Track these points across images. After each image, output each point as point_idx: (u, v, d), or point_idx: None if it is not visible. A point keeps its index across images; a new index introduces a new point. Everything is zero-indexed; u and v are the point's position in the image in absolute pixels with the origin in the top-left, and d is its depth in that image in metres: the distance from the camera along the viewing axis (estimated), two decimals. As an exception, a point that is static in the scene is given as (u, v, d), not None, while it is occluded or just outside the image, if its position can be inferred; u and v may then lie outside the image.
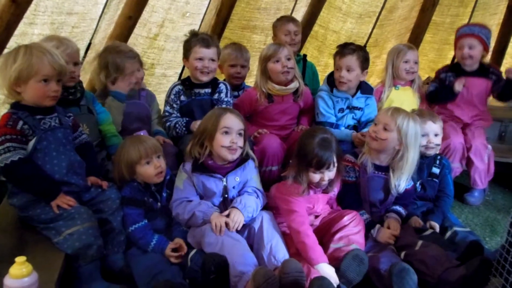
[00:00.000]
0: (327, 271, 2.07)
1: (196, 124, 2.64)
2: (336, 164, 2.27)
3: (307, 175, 2.25)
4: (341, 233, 2.23)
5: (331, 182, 2.33)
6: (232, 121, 2.28)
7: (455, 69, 3.33)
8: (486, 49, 3.25)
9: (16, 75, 1.97)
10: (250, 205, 2.28)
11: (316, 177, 2.25)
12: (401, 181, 2.44)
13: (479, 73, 3.27)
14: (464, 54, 3.21)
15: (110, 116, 2.66)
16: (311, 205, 2.36)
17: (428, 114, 2.72)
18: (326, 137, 2.27)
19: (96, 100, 2.67)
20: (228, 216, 2.20)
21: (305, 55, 3.65)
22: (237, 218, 2.19)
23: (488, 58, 3.38)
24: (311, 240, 2.17)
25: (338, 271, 2.06)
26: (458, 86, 3.18)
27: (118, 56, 2.71)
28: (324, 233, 2.31)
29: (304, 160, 2.24)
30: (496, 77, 3.29)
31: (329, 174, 2.27)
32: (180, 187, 2.31)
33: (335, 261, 2.12)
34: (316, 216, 2.41)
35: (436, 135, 2.66)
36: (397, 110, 2.43)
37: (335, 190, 2.45)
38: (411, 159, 2.40)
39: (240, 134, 2.30)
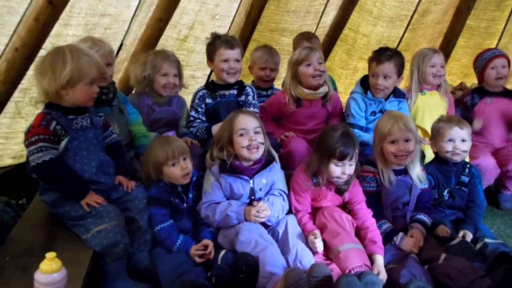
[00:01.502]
0: None
1: (217, 127, 2.65)
2: (356, 159, 2.29)
3: (328, 168, 2.27)
4: None
5: (346, 181, 2.35)
6: (246, 121, 2.31)
7: (479, 91, 3.33)
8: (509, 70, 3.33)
9: (68, 79, 2.00)
10: (277, 205, 2.31)
11: (337, 170, 2.27)
12: (417, 169, 2.46)
13: (504, 94, 3.29)
14: (499, 74, 3.24)
15: (140, 117, 2.71)
16: (318, 199, 2.38)
17: (455, 120, 2.67)
18: (348, 130, 2.36)
19: (127, 101, 2.72)
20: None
21: None
22: (265, 208, 2.24)
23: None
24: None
25: None
26: (477, 124, 3.16)
27: (159, 56, 2.77)
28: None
29: (327, 152, 2.27)
30: None
31: (350, 168, 2.29)
32: (208, 191, 2.33)
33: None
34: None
35: (463, 140, 2.59)
36: (401, 119, 2.42)
37: (349, 197, 2.41)
38: (418, 148, 2.47)
39: (257, 132, 2.31)
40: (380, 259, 2.19)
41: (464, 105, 3.34)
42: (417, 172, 2.46)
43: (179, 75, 2.85)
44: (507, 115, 3.26)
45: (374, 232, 2.30)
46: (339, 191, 2.41)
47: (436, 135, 2.65)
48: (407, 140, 2.38)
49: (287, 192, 2.43)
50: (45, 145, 2.01)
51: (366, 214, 2.38)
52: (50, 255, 1.61)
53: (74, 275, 1.78)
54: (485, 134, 3.24)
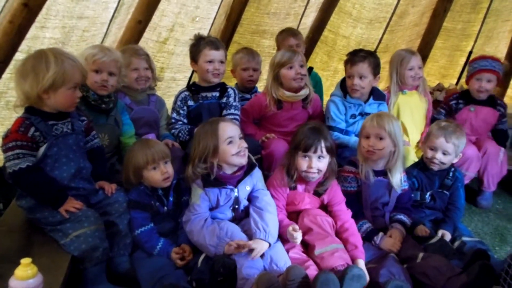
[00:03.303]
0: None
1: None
2: (326, 155, 2.30)
3: (295, 161, 2.30)
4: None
5: (323, 182, 2.36)
6: (231, 129, 2.29)
7: (465, 96, 3.36)
8: (498, 84, 3.37)
9: (51, 82, 1.96)
10: (271, 227, 2.21)
11: (303, 163, 2.29)
12: (398, 174, 2.46)
13: (488, 102, 3.32)
14: (481, 87, 3.25)
15: (133, 129, 2.68)
16: (296, 202, 2.38)
17: (449, 129, 2.58)
18: (318, 125, 2.39)
19: (125, 110, 2.68)
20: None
21: (311, 68, 3.67)
22: (260, 248, 2.12)
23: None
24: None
25: None
26: None
27: (127, 52, 2.75)
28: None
29: (294, 145, 2.32)
30: (503, 110, 3.36)
31: (318, 163, 2.29)
32: (197, 203, 2.27)
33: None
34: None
35: (444, 153, 2.57)
36: (380, 117, 2.44)
37: (328, 199, 2.41)
38: (401, 153, 2.44)
39: (241, 137, 2.31)
40: (362, 263, 2.20)
41: (449, 108, 3.38)
42: (396, 178, 2.46)
43: (150, 68, 2.83)
44: (487, 123, 3.33)
45: (356, 236, 2.30)
46: (317, 194, 2.42)
47: (426, 137, 2.69)
48: (379, 138, 2.40)
49: (266, 189, 2.42)
50: (22, 152, 1.98)
51: (346, 215, 2.39)
52: (25, 260, 1.59)
53: (51, 281, 1.76)
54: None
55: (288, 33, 3.54)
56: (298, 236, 2.19)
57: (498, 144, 3.32)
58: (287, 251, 2.20)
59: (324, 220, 2.29)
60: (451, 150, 2.57)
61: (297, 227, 2.24)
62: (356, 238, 2.29)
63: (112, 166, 2.57)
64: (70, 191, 2.10)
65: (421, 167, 2.66)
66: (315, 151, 2.28)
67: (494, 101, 3.35)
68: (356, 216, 2.44)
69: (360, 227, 2.40)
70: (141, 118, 2.80)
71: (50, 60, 1.97)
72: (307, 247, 2.27)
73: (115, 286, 2.06)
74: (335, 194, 2.43)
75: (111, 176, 2.41)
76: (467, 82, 3.40)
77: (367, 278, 2.08)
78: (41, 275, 1.62)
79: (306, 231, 2.27)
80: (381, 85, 4.43)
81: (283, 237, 2.27)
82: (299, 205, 2.39)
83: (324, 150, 2.29)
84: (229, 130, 2.27)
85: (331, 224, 2.32)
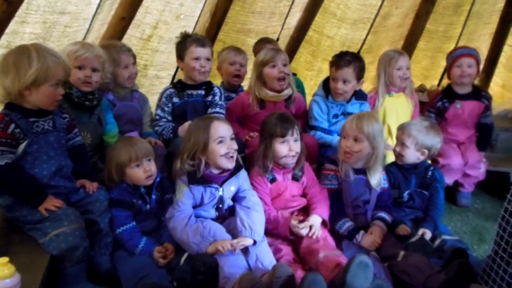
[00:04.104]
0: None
1: (183, 128, 2.64)
2: (298, 136, 2.40)
3: (273, 149, 2.36)
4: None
5: (298, 163, 2.45)
6: (224, 129, 2.28)
7: (448, 94, 3.39)
8: (478, 71, 3.39)
9: (33, 79, 1.93)
10: (257, 225, 2.22)
11: (283, 147, 2.36)
12: (377, 175, 2.49)
13: (472, 96, 3.36)
14: (464, 72, 3.28)
15: (117, 129, 2.65)
16: (280, 192, 2.41)
17: (411, 125, 2.67)
18: (282, 112, 2.53)
19: (109, 109, 2.65)
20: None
21: (293, 74, 3.68)
22: (243, 243, 2.14)
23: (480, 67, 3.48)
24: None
25: (343, 283, 1.96)
26: None
27: (113, 49, 2.71)
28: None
29: (268, 134, 2.37)
30: (487, 102, 3.39)
31: (295, 145, 2.38)
32: (181, 199, 2.26)
33: (330, 271, 2.08)
34: (291, 208, 2.45)
35: (403, 145, 2.62)
36: (359, 118, 2.45)
37: (306, 181, 2.48)
38: (381, 153, 2.47)
39: (232, 139, 2.30)
40: (316, 217, 2.33)
41: (438, 110, 3.41)
42: (375, 178, 2.49)
43: (135, 62, 2.83)
44: (475, 117, 3.37)
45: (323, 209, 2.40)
46: (296, 178, 2.47)
47: None
48: (356, 140, 2.43)
49: (251, 189, 2.42)
50: (1, 149, 1.94)
51: (320, 195, 2.48)
52: (2, 260, 1.57)
53: (29, 281, 1.73)
54: (455, 133, 3.35)
55: (265, 41, 3.60)
56: (303, 229, 2.25)
57: (482, 141, 3.38)
58: (278, 259, 2.19)
59: (329, 237, 2.33)
60: (409, 143, 2.60)
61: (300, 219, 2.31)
62: (323, 210, 2.39)
63: (94, 165, 2.54)
64: (50, 189, 2.07)
65: (398, 165, 2.71)
66: (292, 134, 2.36)
67: (478, 94, 3.37)
68: (338, 214, 2.45)
69: (341, 225, 2.42)
70: (124, 115, 2.76)
71: (33, 56, 1.93)
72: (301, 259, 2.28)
73: (96, 285, 2.04)
74: (311, 175, 2.52)
75: (93, 174, 2.38)
76: (448, 75, 3.42)
77: (372, 268, 2.04)
78: (18, 275, 1.60)
79: (313, 242, 2.25)
80: (364, 86, 4.49)
81: (279, 233, 2.31)
82: (284, 193, 2.42)
83: (298, 132, 2.39)
84: (221, 129, 2.26)
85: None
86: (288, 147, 2.36)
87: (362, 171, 2.52)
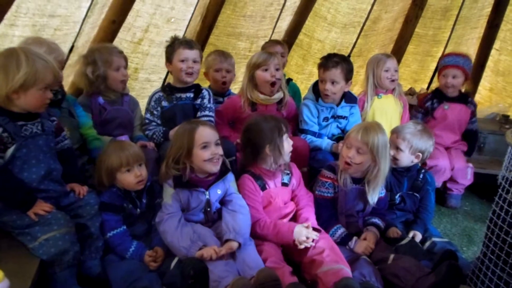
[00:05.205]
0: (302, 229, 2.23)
1: (174, 132, 2.63)
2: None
3: (282, 147, 2.36)
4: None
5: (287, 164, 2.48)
6: (208, 134, 2.26)
7: (437, 95, 3.46)
8: (467, 78, 3.46)
9: (22, 82, 1.91)
10: (242, 227, 2.22)
11: (287, 144, 2.40)
12: (376, 191, 2.46)
13: (459, 100, 3.44)
14: (447, 83, 3.38)
15: (90, 120, 2.64)
16: (272, 199, 2.40)
17: (404, 129, 2.68)
18: (265, 114, 2.55)
19: (77, 103, 2.64)
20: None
21: (289, 79, 3.72)
22: (228, 248, 2.14)
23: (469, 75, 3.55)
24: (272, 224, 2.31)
25: None
26: None
27: (105, 51, 2.70)
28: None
29: (274, 133, 2.35)
30: (473, 108, 3.48)
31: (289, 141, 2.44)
32: (169, 202, 2.25)
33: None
34: (285, 216, 2.44)
35: (397, 149, 2.64)
36: (366, 130, 2.39)
37: (295, 182, 2.49)
38: (384, 170, 2.43)
39: (217, 144, 2.28)
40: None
41: (426, 110, 3.47)
42: (374, 196, 2.45)
43: (126, 65, 2.82)
44: (461, 121, 3.44)
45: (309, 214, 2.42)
46: (285, 183, 2.47)
47: None
48: (358, 151, 2.40)
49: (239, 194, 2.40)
50: None
51: (305, 200, 2.49)
52: (-9, 265, 1.55)
53: (19, 286, 1.72)
54: (441, 135, 3.39)
55: (275, 42, 3.68)
56: (312, 233, 2.23)
57: (469, 147, 3.45)
58: (264, 260, 2.18)
59: (335, 247, 2.28)
60: (404, 146, 2.62)
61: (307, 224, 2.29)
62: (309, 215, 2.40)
63: (83, 166, 2.52)
64: (40, 194, 2.04)
65: (391, 168, 2.69)
66: (287, 131, 2.42)
67: (465, 99, 3.46)
68: (330, 221, 2.45)
69: (334, 232, 2.42)
70: (115, 119, 2.76)
71: (21, 59, 1.91)
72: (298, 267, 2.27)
73: (86, 290, 2.03)
74: (297, 174, 2.54)
75: (82, 177, 2.36)
76: (438, 79, 3.51)
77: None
78: (7, 281, 1.58)
79: (320, 252, 2.20)
80: (355, 89, 4.53)
81: (280, 241, 2.30)
82: (276, 200, 2.41)
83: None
84: (205, 134, 2.25)
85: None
86: (288, 142, 2.40)
87: (361, 181, 2.49)
